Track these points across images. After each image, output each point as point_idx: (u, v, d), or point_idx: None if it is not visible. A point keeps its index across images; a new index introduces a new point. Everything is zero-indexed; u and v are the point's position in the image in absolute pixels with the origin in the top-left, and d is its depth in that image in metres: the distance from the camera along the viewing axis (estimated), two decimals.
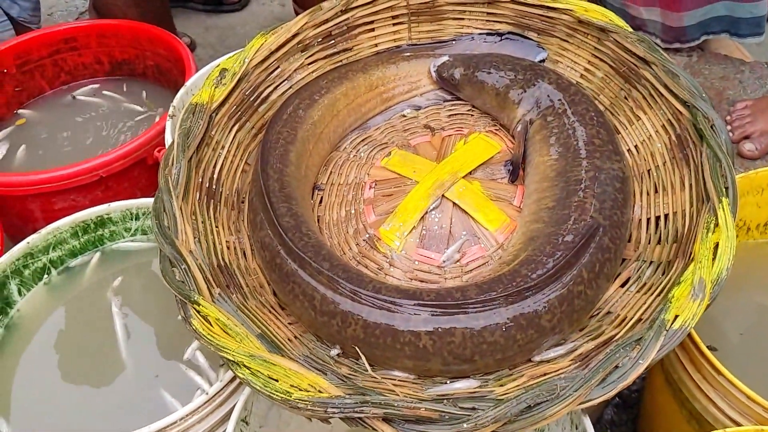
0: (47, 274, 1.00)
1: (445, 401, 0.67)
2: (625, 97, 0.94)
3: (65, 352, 0.94)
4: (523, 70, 0.94)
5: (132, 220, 1.02)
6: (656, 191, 0.86)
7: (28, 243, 0.96)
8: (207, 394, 0.78)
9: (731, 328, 0.92)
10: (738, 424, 0.74)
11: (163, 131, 1.16)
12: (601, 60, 0.97)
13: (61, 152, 1.31)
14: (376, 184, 0.93)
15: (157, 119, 1.34)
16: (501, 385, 0.70)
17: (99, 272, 1.02)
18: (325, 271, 0.74)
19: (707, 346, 0.88)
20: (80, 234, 1.00)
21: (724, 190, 0.75)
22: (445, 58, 1.01)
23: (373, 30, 1.04)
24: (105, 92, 1.43)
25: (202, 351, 0.90)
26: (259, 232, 0.81)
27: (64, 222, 0.99)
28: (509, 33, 1.02)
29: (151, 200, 1.00)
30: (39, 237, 0.97)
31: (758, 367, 0.87)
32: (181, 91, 1.17)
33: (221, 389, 0.79)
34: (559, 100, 0.90)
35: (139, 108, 1.40)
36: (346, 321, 0.72)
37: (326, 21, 1.00)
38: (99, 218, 1.01)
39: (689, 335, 0.77)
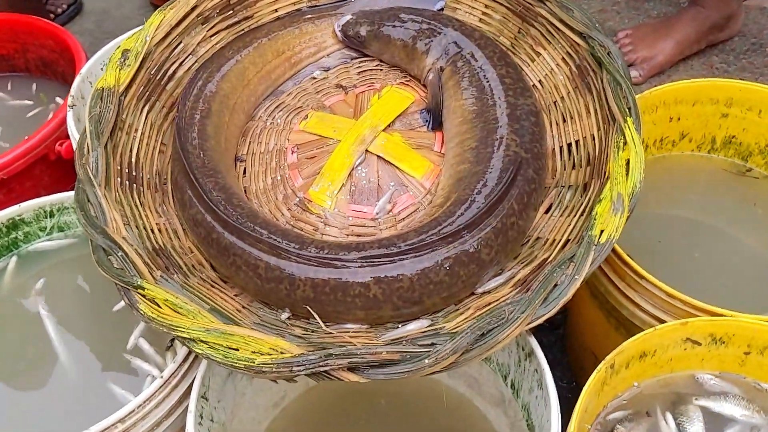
0: None
1: (403, 342, 0.70)
2: (524, 36, 0.98)
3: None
4: (426, 20, 0.96)
5: (46, 218, 0.97)
6: (564, 120, 0.91)
7: None
8: (162, 377, 0.77)
9: (643, 239, 1.00)
10: (663, 323, 0.81)
11: (62, 124, 1.11)
12: (497, 2, 1.00)
13: None
14: (298, 148, 0.93)
15: (52, 113, 1.27)
16: (449, 321, 0.74)
17: (18, 277, 0.98)
18: (265, 239, 0.74)
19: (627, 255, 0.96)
20: None
21: (627, 110, 0.80)
22: (348, 17, 1.01)
23: None
24: None
25: (145, 337, 0.88)
26: (190, 210, 0.80)
27: None
28: None
29: (64, 195, 0.98)
30: None
31: (673, 270, 0.95)
32: (77, 79, 1.11)
33: (175, 370, 0.78)
34: (466, 45, 0.92)
35: (29, 103, 1.32)
36: (294, 284, 0.72)
37: None
38: (10, 221, 0.96)
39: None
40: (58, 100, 1.32)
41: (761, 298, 0.91)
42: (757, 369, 0.79)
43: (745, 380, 0.80)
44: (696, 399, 0.79)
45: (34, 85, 1.36)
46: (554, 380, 1.17)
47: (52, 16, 1.83)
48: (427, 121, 0.93)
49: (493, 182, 0.77)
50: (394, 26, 0.98)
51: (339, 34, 1.02)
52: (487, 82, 0.88)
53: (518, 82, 0.88)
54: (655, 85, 1.39)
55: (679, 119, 1.02)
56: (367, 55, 1.04)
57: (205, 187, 0.80)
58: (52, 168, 1.14)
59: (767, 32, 1.45)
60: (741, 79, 1.36)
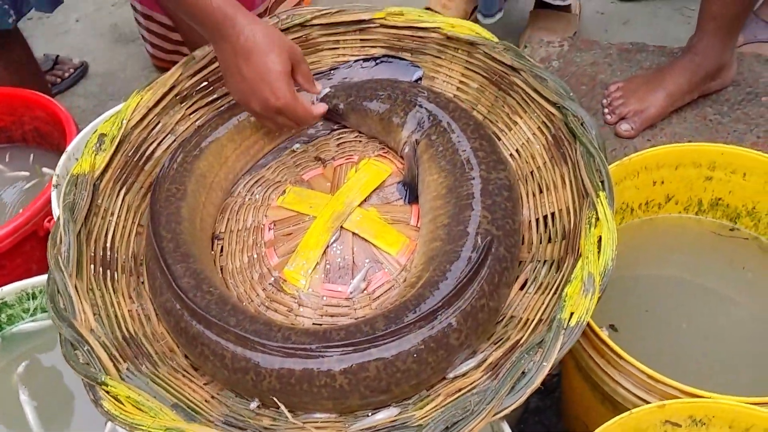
0: None
1: None
2: (502, 105, 0.98)
3: None
4: (402, 93, 0.96)
5: (29, 300, 0.98)
6: (541, 191, 0.90)
7: None
8: None
9: (631, 304, 0.98)
10: (645, 402, 0.78)
11: (49, 200, 1.12)
12: (474, 72, 1.00)
13: None
14: (275, 225, 0.93)
15: (40, 184, 1.29)
16: (420, 408, 0.72)
17: (2, 359, 0.98)
18: (231, 329, 0.74)
19: (609, 326, 0.94)
20: None
21: (600, 184, 0.79)
22: (327, 90, 1.02)
23: None
24: None
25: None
26: (160, 297, 0.80)
27: None
28: (384, 56, 1.04)
29: (44, 277, 0.98)
30: None
31: (659, 338, 0.93)
32: (63, 157, 1.14)
33: None
34: (441, 117, 0.92)
35: (26, 174, 1.35)
36: (260, 374, 0.72)
37: (201, 69, 1.00)
38: None
39: (588, 324, 0.81)
40: (49, 170, 1.34)
41: (745, 371, 0.88)
42: None
43: None
44: None
45: (32, 156, 1.38)
46: None
47: (58, 80, 1.88)
48: (403, 194, 0.93)
49: (464, 263, 0.76)
50: (370, 99, 0.98)
51: (315, 102, 1.03)
52: (460, 155, 0.88)
53: (492, 154, 0.88)
54: (648, 139, 1.39)
55: (663, 182, 1.00)
56: (346, 127, 1.05)
57: (175, 273, 0.80)
58: (41, 243, 1.15)
59: (763, 81, 1.43)
60: (735, 131, 1.35)
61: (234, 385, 0.76)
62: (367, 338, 0.71)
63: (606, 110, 1.40)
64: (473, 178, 0.85)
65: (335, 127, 1.05)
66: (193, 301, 0.76)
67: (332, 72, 1.06)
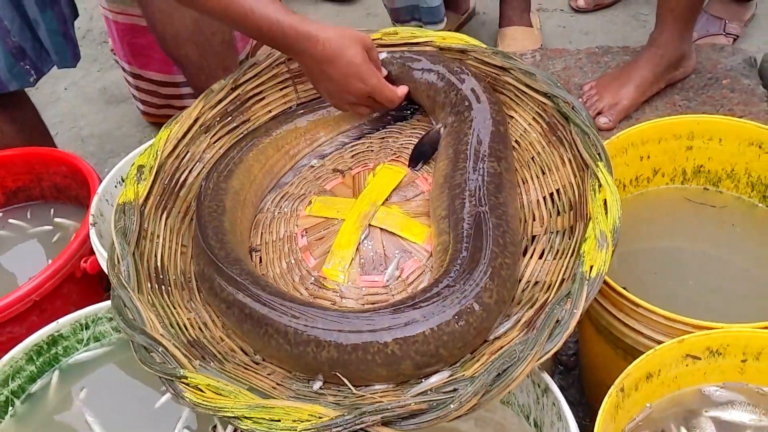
0: (11, 406, 1.00)
1: (428, 392, 0.76)
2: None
3: None
4: (449, 72, 1.06)
5: (83, 330, 1.04)
6: (544, 173, 1.00)
7: None
8: None
9: (637, 273, 1.06)
10: None
11: (84, 242, 1.19)
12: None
13: None
14: (306, 232, 1.01)
15: (64, 236, 1.36)
16: (468, 369, 0.80)
17: (62, 390, 1.03)
18: (293, 307, 0.82)
19: (621, 287, 1.03)
20: (35, 358, 1.02)
21: (597, 155, 0.89)
22: (384, 55, 1.10)
23: (263, 98, 1.13)
24: (10, 221, 1.44)
25: (188, 428, 0.94)
26: (221, 294, 0.87)
27: (17, 350, 1.00)
28: None
29: (97, 306, 1.05)
30: None
31: (669, 298, 1.01)
32: (95, 199, 1.20)
33: None
34: (469, 106, 1.02)
35: (48, 227, 1.41)
36: (320, 345, 0.79)
37: (220, 101, 1.09)
38: (50, 337, 1.03)
39: (605, 282, 0.90)
40: (63, 221, 1.41)
41: (752, 310, 0.97)
42: (756, 374, 0.85)
43: (748, 387, 0.86)
44: (706, 411, 0.84)
45: (52, 211, 1.45)
46: (576, 420, 1.22)
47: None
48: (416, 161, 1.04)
49: (469, 240, 0.85)
50: (420, 72, 1.08)
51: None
52: (463, 146, 0.97)
53: (490, 147, 0.97)
54: (625, 129, 1.50)
55: (649, 157, 1.11)
56: (357, 139, 1.14)
57: (232, 272, 0.87)
58: (78, 285, 1.22)
59: (720, 67, 1.56)
60: (703, 113, 1.48)
61: (296, 362, 0.83)
62: (411, 305, 0.79)
63: None
64: (463, 168, 0.95)
65: (347, 141, 1.14)
66: (255, 292, 0.84)
67: None
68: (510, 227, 0.89)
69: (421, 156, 1.05)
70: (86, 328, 1.05)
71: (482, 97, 1.03)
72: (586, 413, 1.22)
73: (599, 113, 1.48)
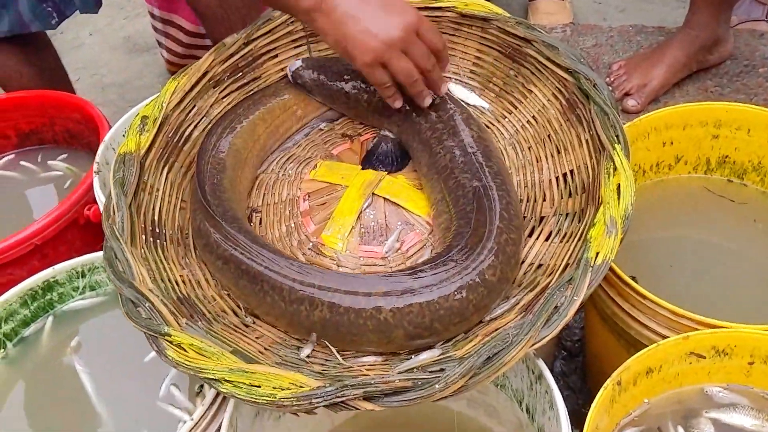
0: (3, 348, 1.00)
1: (415, 370, 0.73)
2: (516, 75, 1.04)
3: (38, 421, 0.95)
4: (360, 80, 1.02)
5: (79, 278, 1.04)
6: (559, 152, 0.96)
7: None
8: (192, 420, 0.82)
9: (648, 260, 1.03)
10: None
11: (89, 189, 1.18)
12: (488, 47, 1.06)
13: None
14: (309, 196, 0.99)
15: (76, 182, 1.35)
16: (460, 348, 0.77)
17: (55, 336, 1.03)
18: (290, 265, 0.80)
19: (630, 277, 0.99)
20: (29, 302, 1.01)
21: (615, 138, 0.85)
22: (298, 63, 1.05)
23: (276, 56, 1.10)
24: (22, 162, 1.43)
25: (176, 385, 0.93)
26: (217, 250, 0.86)
27: (11, 293, 0.99)
28: None
29: (94, 255, 1.04)
30: None
31: (682, 290, 0.98)
32: (101, 146, 1.19)
33: (204, 413, 0.83)
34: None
35: (58, 173, 1.40)
36: (314, 304, 0.78)
37: (232, 55, 1.06)
38: (45, 283, 1.02)
39: (612, 271, 0.87)
40: (79, 169, 1.40)
41: (766, 311, 0.93)
42: (763, 378, 0.81)
43: (753, 390, 0.82)
44: (706, 412, 0.81)
45: (62, 157, 1.44)
46: (577, 407, 1.20)
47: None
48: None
49: (471, 213, 0.83)
50: (337, 81, 1.04)
51: (290, 78, 1.06)
52: (429, 132, 0.95)
53: (461, 122, 0.94)
54: (654, 112, 1.45)
55: (672, 143, 1.06)
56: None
57: (229, 228, 0.85)
58: (82, 231, 1.21)
59: (758, 54, 1.49)
60: (735, 101, 1.42)
61: (290, 320, 0.81)
62: (410, 275, 0.77)
63: (610, 87, 1.46)
64: (439, 151, 0.92)
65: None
66: (251, 248, 0.82)
67: None
68: (511, 198, 0.86)
69: (384, 156, 1.00)
70: (82, 276, 1.04)
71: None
72: (586, 400, 1.20)
73: (627, 94, 1.43)
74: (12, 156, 1.46)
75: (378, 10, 0.85)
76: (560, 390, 1.23)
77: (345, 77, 1.03)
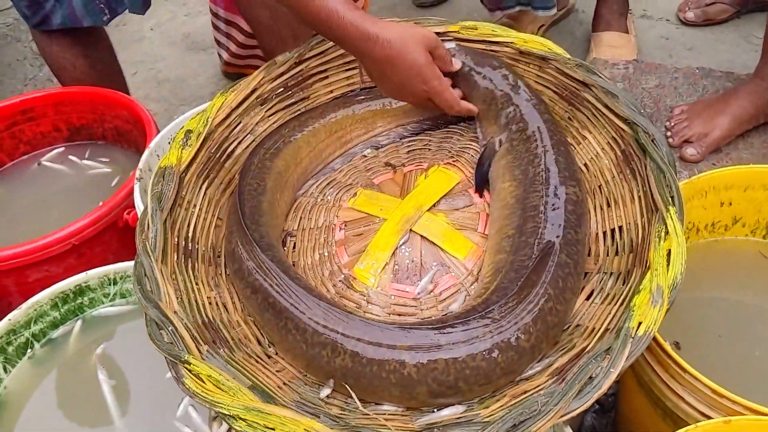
0: (30, 348, 1.01)
1: (435, 429, 0.70)
2: (570, 119, 1.00)
3: (56, 425, 0.95)
4: (508, 85, 0.99)
5: (110, 285, 1.04)
6: (608, 205, 0.92)
7: (10, 320, 0.97)
8: None
9: (694, 324, 0.98)
10: (708, 418, 0.78)
11: (130, 193, 1.18)
12: (544, 86, 1.03)
13: (32, 223, 1.32)
14: (345, 225, 0.96)
15: (122, 181, 1.36)
16: (485, 408, 0.74)
17: (82, 340, 1.03)
18: (319, 306, 0.78)
19: (673, 342, 0.94)
20: (60, 305, 1.02)
21: (670, 199, 0.81)
22: (451, 45, 1.02)
23: (327, 78, 1.08)
24: (70, 157, 1.45)
25: (194, 406, 0.92)
26: (248, 278, 0.84)
27: (43, 295, 1.00)
28: None
29: (127, 264, 1.04)
30: (20, 312, 0.98)
31: (720, 358, 0.93)
32: (146, 153, 1.19)
33: None
34: (529, 124, 0.94)
35: (105, 170, 1.41)
36: (336, 350, 0.75)
37: (282, 74, 1.04)
38: (77, 287, 1.02)
39: (653, 338, 0.82)
40: (127, 167, 1.41)
41: None
42: None
43: None
44: None
45: (108, 155, 1.45)
46: None
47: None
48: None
49: (526, 270, 0.78)
50: (484, 76, 1.00)
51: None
52: (534, 167, 0.90)
53: (565, 170, 0.89)
54: (713, 163, 1.39)
55: (730, 204, 1.01)
56: (416, 134, 1.08)
57: (264, 257, 0.84)
58: (120, 234, 1.21)
59: None
60: None
61: (309, 362, 0.79)
62: (439, 331, 0.74)
63: (669, 133, 1.40)
64: (540, 191, 0.87)
65: (405, 134, 1.08)
66: (282, 280, 0.81)
67: None
68: (576, 271, 0.82)
69: (484, 178, 0.96)
70: (114, 283, 1.04)
71: (545, 116, 0.95)
72: None
73: (687, 141, 1.37)
74: (62, 149, 1.48)
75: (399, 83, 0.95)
76: None
77: (493, 72, 1.00)
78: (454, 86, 1.01)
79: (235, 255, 0.87)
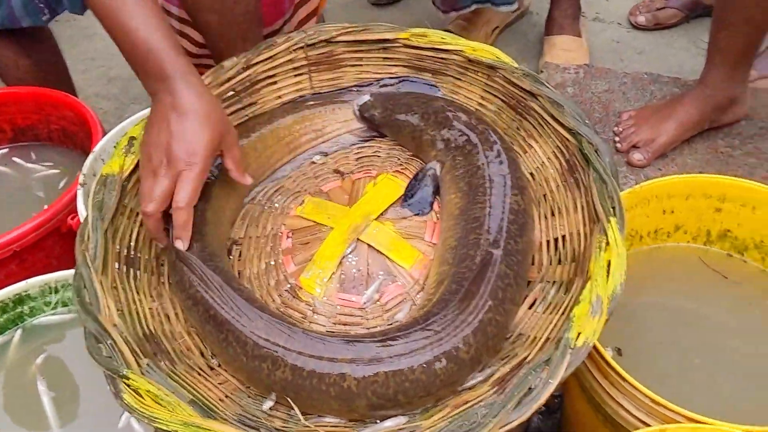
0: None
1: None
2: (517, 128, 1.00)
3: None
4: (434, 112, 0.99)
5: (51, 293, 1.01)
6: (553, 214, 0.93)
7: None
8: None
9: (637, 330, 0.99)
10: (646, 425, 0.80)
11: (74, 198, 1.15)
12: (492, 95, 1.03)
13: None
14: (292, 234, 0.96)
15: (70, 183, 1.33)
16: (427, 419, 0.75)
17: (22, 349, 1.01)
18: (260, 319, 0.78)
19: (615, 349, 0.96)
20: None
21: (611, 210, 0.82)
22: (366, 98, 1.04)
23: (275, 83, 1.07)
24: (14, 159, 1.41)
25: (136, 418, 0.90)
26: (189, 290, 0.83)
27: None
28: (405, 77, 1.07)
29: (68, 272, 1.01)
30: None
31: (660, 365, 0.95)
32: (90, 157, 1.17)
33: None
34: (468, 139, 0.95)
35: (52, 172, 1.38)
36: (276, 363, 0.75)
37: (229, 79, 1.03)
38: (17, 296, 1.00)
39: (593, 346, 0.83)
40: (73, 168, 1.38)
41: (752, 409, 0.89)
42: None
43: None
44: None
45: (54, 156, 1.42)
46: None
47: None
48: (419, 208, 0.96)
49: (467, 281, 0.79)
50: (405, 113, 1.01)
51: (356, 113, 1.05)
52: (478, 179, 0.90)
53: (509, 179, 0.90)
54: (659, 168, 1.41)
55: (672, 212, 1.03)
56: (366, 142, 1.08)
57: (204, 269, 0.83)
58: (63, 239, 1.18)
59: None
60: (745, 164, 1.38)
61: (250, 375, 0.78)
62: (380, 340, 0.74)
63: (617, 138, 1.43)
64: (483, 202, 0.88)
65: (355, 141, 1.08)
66: (223, 291, 0.80)
67: (353, 89, 1.09)
68: (516, 282, 0.82)
69: (414, 196, 0.96)
70: (55, 292, 1.02)
71: (480, 126, 0.95)
72: None
73: (634, 146, 1.39)
74: (6, 150, 1.44)
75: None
76: None
77: (413, 110, 1.01)
78: (382, 136, 1.03)
79: (177, 267, 0.86)
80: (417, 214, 0.95)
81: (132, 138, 0.94)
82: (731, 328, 0.98)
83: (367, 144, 1.07)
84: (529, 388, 0.70)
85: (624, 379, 0.81)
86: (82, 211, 1.08)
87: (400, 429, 0.74)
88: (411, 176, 1.00)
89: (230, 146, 0.86)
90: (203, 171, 0.82)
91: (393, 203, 0.96)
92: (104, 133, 1.26)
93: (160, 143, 0.82)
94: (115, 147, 0.94)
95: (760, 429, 0.75)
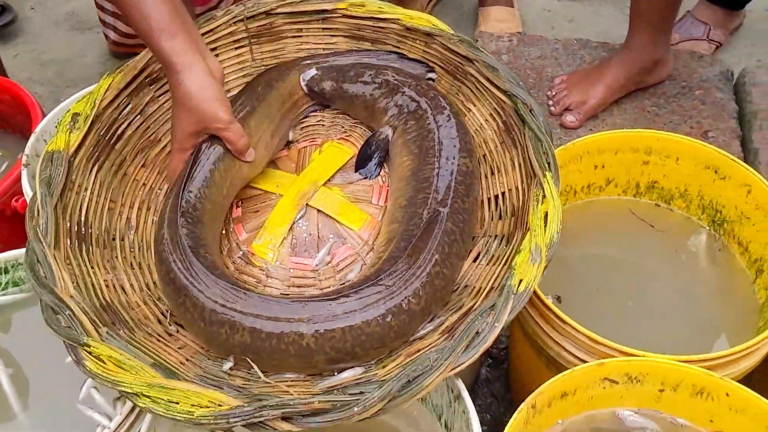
0: None
1: (335, 391, 0.74)
2: (456, 92, 1.05)
3: None
4: (386, 80, 1.01)
5: (2, 274, 1.01)
6: (492, 173, 0.97)
7: None
8: (109, 428, 0.81)
9: (574, 279, 1.06)
10: (586, 363, 0.86)
11: (17, 180, 1.14)
12: (431, 62, 1.07)
13: None
14: (242, 203, 0.98)
15: (10, 166, 1.31)
16: (383, 368, 0.79)
17: None
18: (214, 283, 0.79)
19: (555, 296, 1.02)
20: None
21: (546, 165, 0.87)
22: (313, 72, 1.06)
23: (217, 56, 1.08)
24: None
25: (96, 388, 0.91)
26: (158, 246, 0.84)
27: None
28: (391, 53, 1.08)
29: (18, 252, 1.01)
30: None
31: (597, 309, 1.01)
32: (32, 138, 1.15)
33: (122, 420, 0.82)
34: (419, 104, 0.98)
35: None
36: (234, 327, 0.77)
37: None
38: None
39: (535, 293, 0.89)
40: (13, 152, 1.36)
41: (679, 340, 0.97)
42: (672, 405, 0.85)
43: (662, 416, 0.86)
44: None
45: None
46: (499, 415, 1.23)
47: None
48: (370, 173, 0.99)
49: (415, 238, 0.83)
50: (355, 84, 1.03)
51: (304, 88, 1.06)
52: (429, 141, 0.93)
53: (457, 141, 0.93)
54: (591, 129, 1.48)
55: (603, 167, 1.09)
56: (310, 112, 1.10)
57: (180, 231, 0.84)
58: (9, 222, 1.17)
59: (696, 76, 1.54)
60: (670, 122, 1.46)
61: (208, 339, 0.80)
62: (334, 298, 0.77)
63: (551, 102, 1.49)
64: (433, 164, 0.91)
65: (299, 111, 1.10)
66: (185, 255, 0.81)
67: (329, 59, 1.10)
68: (462, 238, 0.86)
69: (367, 161, 0.99)
70: (5, 273, 1.01)
71: (431, 92, 0.99)
72: (507, 409, 1.23)
73: (566, 109, 1.46)
74: None
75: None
76: (484, 397, 1.27)
77: (363, 80, 1.02)
78: (332, 108, 1.06)
79: (158, 224, 0.87)
80: (366, 178, 0.98)
81: (76, 114, 0.94)
82: (659, 273, 1.06)
83: (312, 113, 1.10)
84: (477, 332, 0.75)
85: (564, 322, 0.87)
86: (28, 191, 1.07)
87: (357, 379, 0.78)
88: (355, 143, 1.03)
89: (220, 130, 0.91)
90: (178, 150, 0.93)
91: (339, 169, 0.99)
92: (44, 115, 1.25)
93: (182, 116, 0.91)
94: (58, 124, 0.94)
95: (684, 357, 0.82)
